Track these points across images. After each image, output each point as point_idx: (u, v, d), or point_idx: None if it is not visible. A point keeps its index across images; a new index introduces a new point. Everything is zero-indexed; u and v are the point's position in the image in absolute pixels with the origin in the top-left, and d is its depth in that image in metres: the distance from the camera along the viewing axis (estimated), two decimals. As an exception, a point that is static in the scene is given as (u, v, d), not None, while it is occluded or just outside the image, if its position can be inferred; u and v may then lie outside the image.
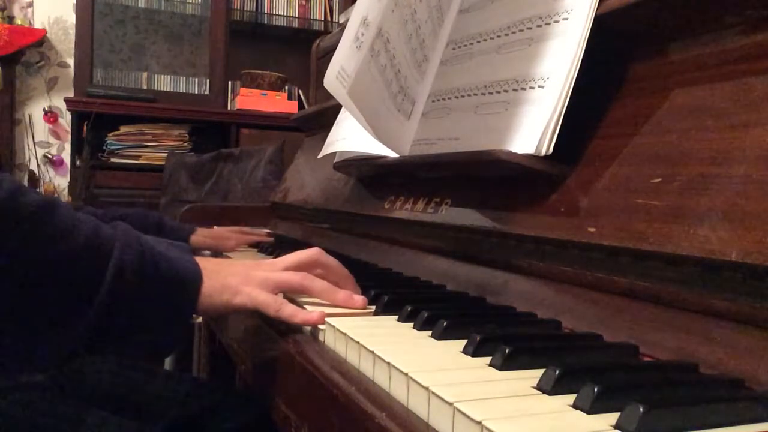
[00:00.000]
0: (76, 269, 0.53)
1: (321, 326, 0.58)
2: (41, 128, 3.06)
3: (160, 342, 0.59)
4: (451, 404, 0.37)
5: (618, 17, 0.62)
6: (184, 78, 3.17)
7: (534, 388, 0.40)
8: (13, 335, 0.52)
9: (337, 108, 1.15)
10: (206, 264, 0.62)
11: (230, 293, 0.61)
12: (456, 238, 0.77)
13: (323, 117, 1.34)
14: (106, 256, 0.54)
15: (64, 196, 2.94)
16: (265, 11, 3.27)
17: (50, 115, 3.03)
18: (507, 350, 0.44)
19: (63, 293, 0.52)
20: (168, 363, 1.91)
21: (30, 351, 0.54)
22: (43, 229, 0.52)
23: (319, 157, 1.16)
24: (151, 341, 0.58)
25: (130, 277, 0.55)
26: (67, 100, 2.81)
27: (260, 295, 0.61)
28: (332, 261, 0.68)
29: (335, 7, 3.37)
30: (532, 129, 0.64)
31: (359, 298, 0.64)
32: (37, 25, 3.00)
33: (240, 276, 0.63)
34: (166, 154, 2.67)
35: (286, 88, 3.11)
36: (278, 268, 0.65)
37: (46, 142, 3.06)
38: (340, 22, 2.94)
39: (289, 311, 0.60)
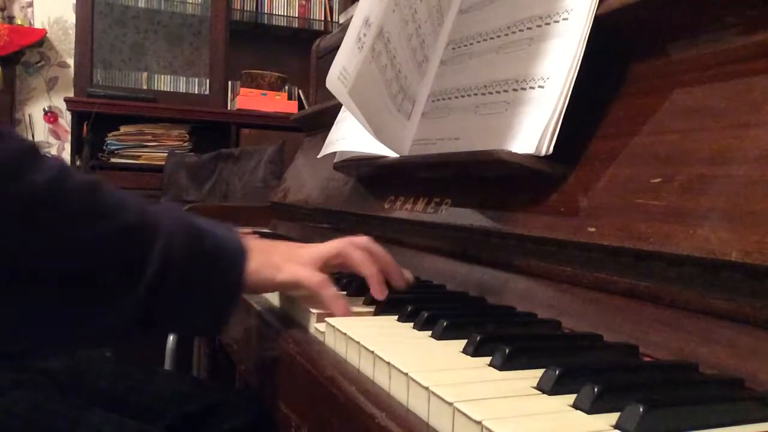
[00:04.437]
0: (125, 246, 0.54)
1: (320, 327, 0.58)
2: (41, 128, 3.05)
3: (209, 318, 0.59)
4: (451, 404, 0.37)
5: (618, 17, 0.62)
6: (184, 78, 3.17)
7: (534, 388, 0.40)
8: (66, 313, 0.53)
9: (337, 108, 1.15)
10: (251, 242, 0.63)
11: (274, 270, 0.62)
12: (456, 238, 0.77)
13: (323, 117, 1.34)
14: (154, 232, 0.55)
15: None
16: (265, 11, 3.27)
17: (50, 115, 3.03)
18: (507, 350, 0.44)
19: (113, 270, 0.53)
20: (168, 363, 1.91)
21: (84, 328, 0.54)
22: (90, 207, 0.53)
23: (319, 157, 1.16)
24: (201, 317, 0.59)
25: (178, 253, 0.55)
26: (67, 100, 2.81)
27: (302, 270, 0.63)
28: (380, 250, 0.68)
29: (335, 7, 3.37)
30: (532, 129, 0.64)
31: (383, 288, 0.64)
32: (37, 25, 3.00)
33: (284, 254, 0.64)
34: (166, 154, 2.67)
35: (286, 88, 3.11)
36: (322, 246, 0.66)
37: (46, 142, 3.06)
38: (340, 22, 2.94)
39: (330, 293, 0.61)
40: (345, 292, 0.71)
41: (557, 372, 0.39)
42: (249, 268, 0.60)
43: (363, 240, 0.68)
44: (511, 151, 0.65)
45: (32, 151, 0.52)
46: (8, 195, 0.49)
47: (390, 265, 0.67)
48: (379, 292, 0.64)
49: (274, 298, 0.73)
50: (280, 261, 0.63)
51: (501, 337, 0.48)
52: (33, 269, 0.50)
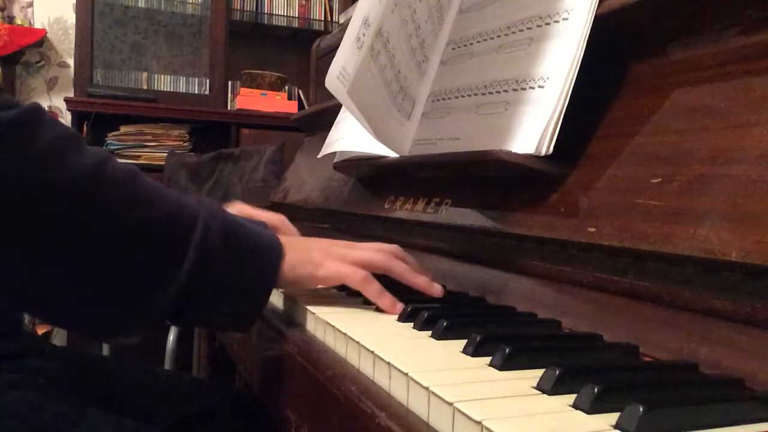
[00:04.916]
0: (165, 233, 0.54)
1: (320, 327, 0.58)
2: (41, 128, 3.05)
3: (243, 312, 0.60)
4: (451, 404, 0.37)
5: (618, 17, 0.62)
6: (184, 78, 3.16)
7: (534, 388, 0.40)
8: (105, 301, 0.54)
9: (337, 108, 1.15)
10: (286, 239, 0.63)
11: (313, 266, 0.63)
12: (456, 238, 0.77)
13: (323, 117, 1.34)
14: (192, 222, 0.55)
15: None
16: (265, 11, 3.27)
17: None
18: (507, 350, 0.44)
19: (153, 257, 0.53)
20: (168, 363, 1.91)
21: (122, 316, 0.55)
22: (131, 193, 0.53)
23: (319, 157, 1.16)
24: (235, 310, 0.59)
25: (215, 243, 0.56)
26: (67, 100, 2.81)
27: (344, 267, 0.63)
28: (410, 258, 0.69)
29: (335, 7, 3.37)
30: (532, 129, 0.64)
31: (438, 287, 0.66)
32: (37, 25, 3.00)
33: (322, 251, 0.64)
34: (166, 154, 2.66)
35: (286, 88, 3.11)
36: (358, 248, 0.67)
37: (46, 142, 3.06)
38: (340, 22, 2.94)
39: (376, 288, 0.62)
40: (345, 292, 0.71)
41: (557, 372, 0.39)
42: (285, 264, 0.61)
43: (394, 248, 0.68)
44: (511, 151, 0.65)
45: (75, 137, 0.53)
46: (52, 178, 0.50)
47: (420, 271, 0.68)
48: (437, 293, 0.66)
49: (275, 299, 0.73)
50: (319, 257, 0.63)
51: (501, 337, 0.48)
52: (74, 252, 0.51)
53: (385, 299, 0.61)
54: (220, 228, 0.57)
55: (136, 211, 0.53)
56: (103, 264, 0.52)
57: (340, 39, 0.71)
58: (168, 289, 0.53)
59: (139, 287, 0.54)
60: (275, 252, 0.61)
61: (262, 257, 0.60)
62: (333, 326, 0.55)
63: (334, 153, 1.07)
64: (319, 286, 0.74)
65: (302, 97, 3.18)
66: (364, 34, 0.71)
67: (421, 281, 0.66)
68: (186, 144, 2.88)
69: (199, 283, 0.55)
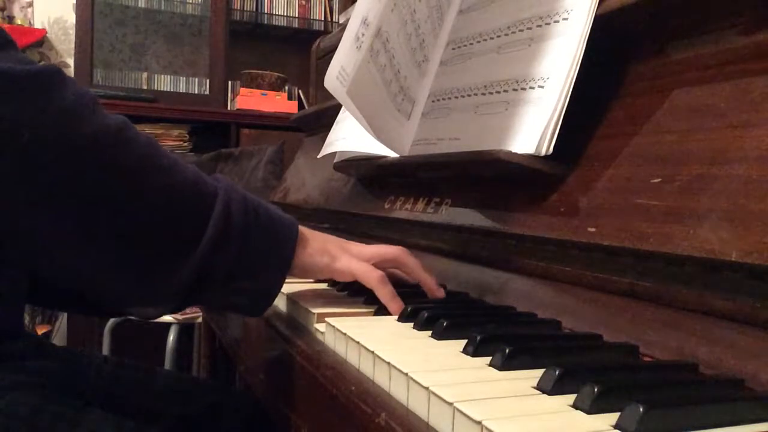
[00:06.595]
0: (187, 200, 0.54)
1: (320, 327, 0.58)
2: (41, 128, 3.05)
3: (260, 290, 0.60)
4: (451, 404, 0.37)
5: (618, 17, 0.62)
6: (184, 78, 3.16)
7: (534, 388, 0.40)
8: (126, 265, 0.53)
9: (337, 108, 1.15)
10: (303, 227, 0.64)
11: (330, 257, 0.64)
12: (456, 238, 0.77)
13: (323, 117, 1.34)
14: (213, 192, 0.56)
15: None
16: (265, 11, 3.27)
17: (50, 115, 3.02)
18: (507, 350, 0.44)
19: (176, 222, 0.53)
20: (168, 363, 1.91)
21: (143, 282, 0.55)
22: (154, 159, 0.53)
23: (319, 157, 1.16)
24: (253, 289, 0.59)
25: (235, 216, 0.56)
26: (67, 100, 2.81)
27: (361, 265, 0.64)
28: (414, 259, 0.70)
29: (335, 7, 3.37)
30: (532, 129, 0.64)
31: (441, 290, 0.67)
32: (37, 25, 3.00)
33: (338, 244, 0.65)
34: (166, 155, 2.66)
35: (286, 88, 3.11)
36: (370, 247, 0.67)
37: (46, 142, 3.06)
38: (340, 22, 2.94)
39: (389, 291, 0.62)
40: (346, 292, 0.71)
41: (557, 372, 0.39)
42: (302, 250, 0.62)
43: (401, 249, 0.69)
44: (510, 151, 0.65)
45: (96, 99, 0.53)
46: (73, 135, 0.49)
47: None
48: (441, 296, 0.67)
49: (277, 300, 0.73)
50: (336, 251, 0.64)
51: (501, 337, 0.48)
52: (94, 213, 0.50)
53: (396, 304, 0.62)
54: (241, 200, 0.57)
55: (159, 175, 0.53)
56: (124, 226, 0.51)
57: (340, 39, 0.71)
58: (190, 255, 0.53)
59: (161, 253, 0.53)
60: (292, 234, 0.61)
61: (280, 238, 0.60)
62: (333, 326, 0.55)
63: (334, 153, 1.07)
64: (323, 286, 0.74)
65: (302, 97, 3.18)
66: (363, 34, 0.71)
67: (429, 279, 0.67)
68: (186, 144, 2.88)
69: (219, 255, 0.54)
